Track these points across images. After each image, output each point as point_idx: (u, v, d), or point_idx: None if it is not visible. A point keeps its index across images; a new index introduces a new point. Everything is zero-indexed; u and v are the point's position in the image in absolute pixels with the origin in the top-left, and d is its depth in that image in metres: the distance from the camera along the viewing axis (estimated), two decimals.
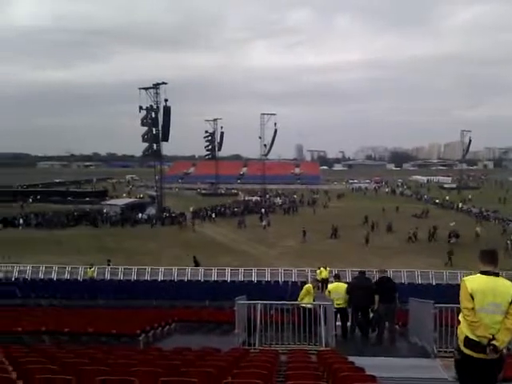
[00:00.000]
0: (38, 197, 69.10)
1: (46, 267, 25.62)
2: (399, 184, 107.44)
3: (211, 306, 19.97)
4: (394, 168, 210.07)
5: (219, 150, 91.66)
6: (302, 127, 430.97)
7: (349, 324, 11.03)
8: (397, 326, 11.70)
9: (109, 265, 26.43)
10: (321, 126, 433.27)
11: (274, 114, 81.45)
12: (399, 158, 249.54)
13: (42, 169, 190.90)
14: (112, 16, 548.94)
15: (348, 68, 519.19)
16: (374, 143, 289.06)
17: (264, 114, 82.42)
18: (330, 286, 11.92)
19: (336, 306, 10.46)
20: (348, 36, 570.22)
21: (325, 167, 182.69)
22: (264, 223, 47.87)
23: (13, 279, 24.36)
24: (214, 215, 54.03)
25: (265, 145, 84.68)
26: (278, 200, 73.28)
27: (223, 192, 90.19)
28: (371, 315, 10.94)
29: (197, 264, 27.69)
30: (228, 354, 7.73)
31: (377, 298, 10.45)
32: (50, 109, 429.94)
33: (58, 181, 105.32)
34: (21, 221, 47.65)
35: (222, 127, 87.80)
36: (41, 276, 25.07)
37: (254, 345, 9.63)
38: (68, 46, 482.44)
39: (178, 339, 12.84)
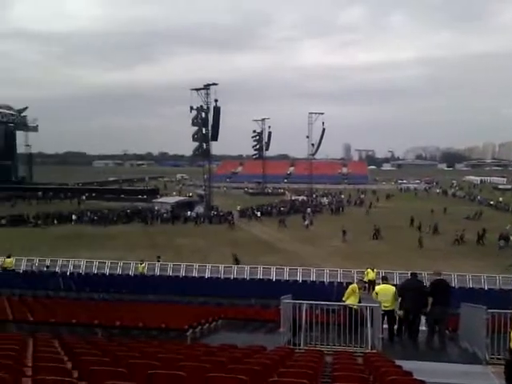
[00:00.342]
0: (93, 194, 71.97)
1: (99, 262, 26.60)
2: (452, 184, 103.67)
3: (257, 305, 20.09)
4: (446, 168, 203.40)
5: (267, 149, 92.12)
6: (351, 126, 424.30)
7: (396, 327, 10.82)
8: (447, 331, 11.37)
9: (158, 261, 27.09)
10: (370, 125, 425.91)
11: (322, 113, 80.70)
12: (451, 157, 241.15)
13: (97, 167, 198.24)
14: (168, 18, 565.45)
15: (400, 66, 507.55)
16: (425, 143, 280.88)
17: (312, 113, 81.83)
18: (377, 288, 11.74)
19: (383, 308, 10.29)
20: (402, 34, 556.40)
21: (373, 167, 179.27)
22: (306, 222, 47.57)
23: (68, 273, 25.48)
24: (259, 214, 54.30)
25: (312, 144, 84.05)
26: (325, 200, 72.65)
27: (270, 191, 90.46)
28: (423, 318, 10.68)
29: (237, 261, 28.04)
30: (273, 353, 7.76)
31: (430, 300, 10.21)
32: (108, 109, 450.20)
33: (112, 179, 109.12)
34: (73, 217, 49.84)
35: (269, 127, 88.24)
36: (94, 271, 26.01)
37: (299, 344, 9.62)
38: (128, 48, 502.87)
39: (224, 336, 12.94)
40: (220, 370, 5.20)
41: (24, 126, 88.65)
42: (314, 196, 79.12)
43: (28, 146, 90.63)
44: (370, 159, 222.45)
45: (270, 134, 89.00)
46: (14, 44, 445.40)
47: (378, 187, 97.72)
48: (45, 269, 25.97)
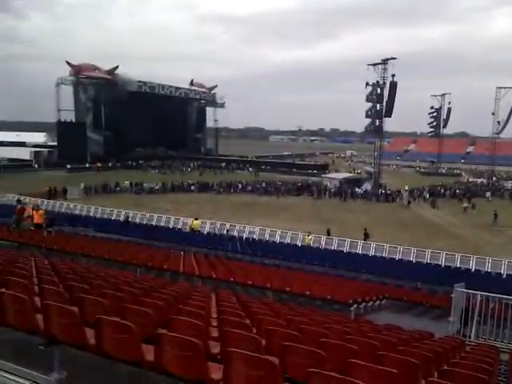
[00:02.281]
0: (268, 167, 76.78)
1: (271, 230, 28.43)
2: None
3: (423, 289, 19.36)
4: None
5: (444, 126, 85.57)
6: None
7: None
8: None
9: (328, 234, 27.98)
10: None
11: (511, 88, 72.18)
12: None
13: (273, 142, 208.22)
14: None
15: None
16: None
17: (500, 87, 74.10)
18: None
19: None
20: None
21: None
22: (465, 205, 43.99)
23: (244, 237, 27.70)
24: (428, 195, 51.52)
25: (498, 122, 76.11)
26: (509, 184, 65.12)
27: (444, 172, 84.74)
28: None
29: (366, 236, 27.83)
30: (442, 341, 7.58)
31: None
32: (285, 86, 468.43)
33: (286, 153, 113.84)
34: (249, 187, 53.89)
35: (449, 102, 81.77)
36: (266, 237, 27.94)
37: (469, 337, 9.23)
38: (308, 26, 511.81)
39: (387, 316, 12.80)
40: (390, 350, 5.11)
41: (213, 102, 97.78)
42: (495, 179, 71.51)
43: (216, 120, 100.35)
44: None
45: (449, 110, 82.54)
46: (204, 27, 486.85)
47: None
48: (225, 232, 28.63)
